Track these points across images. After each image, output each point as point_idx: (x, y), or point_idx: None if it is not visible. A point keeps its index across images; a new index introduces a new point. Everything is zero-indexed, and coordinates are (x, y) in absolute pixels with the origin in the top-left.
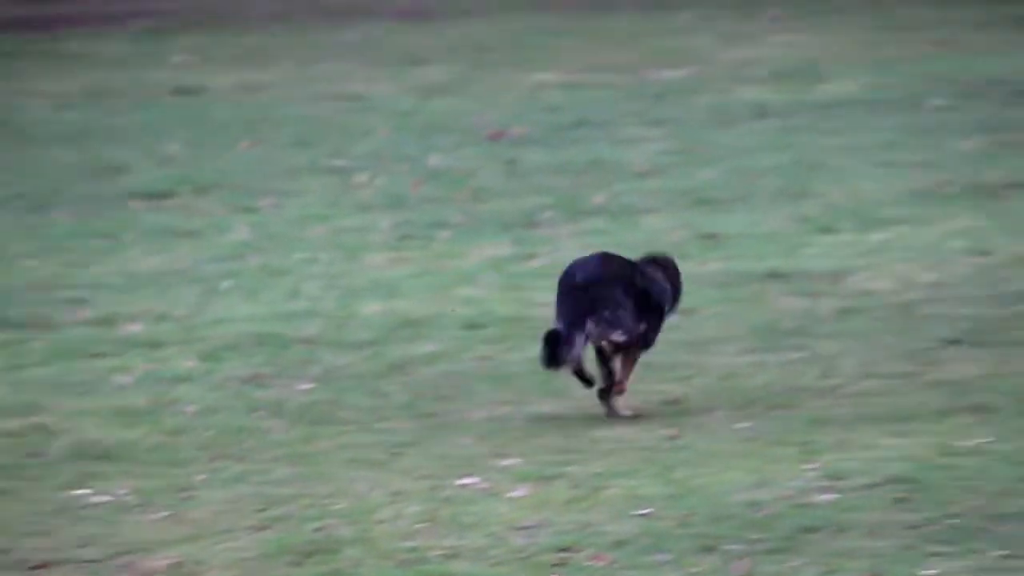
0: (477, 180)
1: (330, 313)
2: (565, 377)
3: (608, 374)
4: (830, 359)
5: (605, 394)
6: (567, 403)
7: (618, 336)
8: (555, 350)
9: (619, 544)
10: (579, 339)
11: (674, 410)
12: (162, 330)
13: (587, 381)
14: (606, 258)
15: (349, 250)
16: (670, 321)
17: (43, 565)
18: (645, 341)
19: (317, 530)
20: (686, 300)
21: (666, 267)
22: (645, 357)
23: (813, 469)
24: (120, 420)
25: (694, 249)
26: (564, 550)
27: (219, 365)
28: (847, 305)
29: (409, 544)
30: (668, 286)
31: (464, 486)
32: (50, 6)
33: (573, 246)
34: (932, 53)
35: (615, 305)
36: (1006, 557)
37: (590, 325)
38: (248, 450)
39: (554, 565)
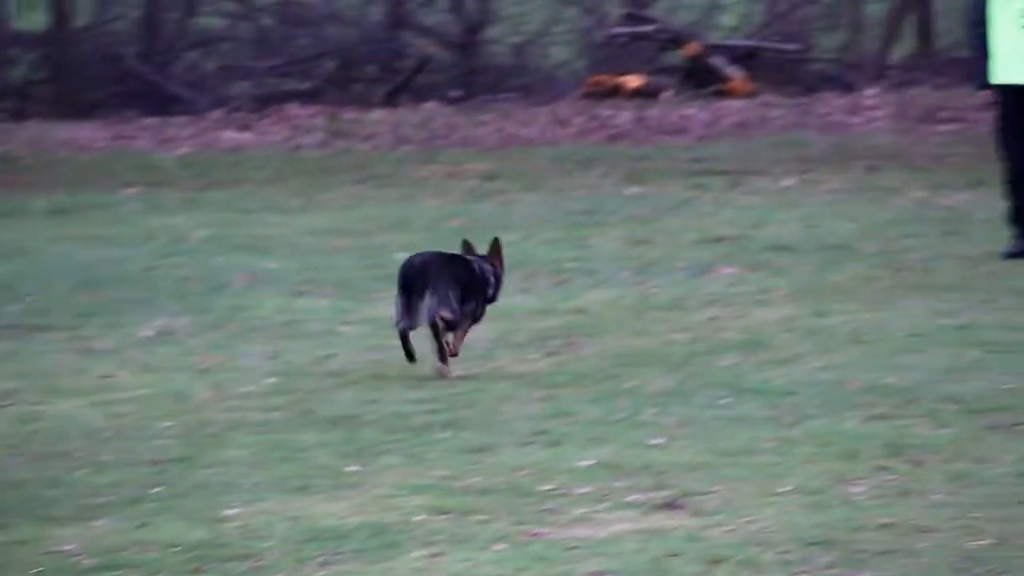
0: None
1: None
2: None
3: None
4: None
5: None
6: None
7: (447, 314)
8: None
9: None
10: (423, 308)
11: None
12: None
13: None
14: (437, 253)
15: None
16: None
17: None
18: (475, 316)
19: None
20: None
21: (492, 260)
22: None
23: None
24: None
25: None
26: None
27: None
28: None
29: None
30: (492, 276)
31: None
32: None
33: None
34: None
35: (446, 287)
36: None
37: (428, 299)
38: None
39: None
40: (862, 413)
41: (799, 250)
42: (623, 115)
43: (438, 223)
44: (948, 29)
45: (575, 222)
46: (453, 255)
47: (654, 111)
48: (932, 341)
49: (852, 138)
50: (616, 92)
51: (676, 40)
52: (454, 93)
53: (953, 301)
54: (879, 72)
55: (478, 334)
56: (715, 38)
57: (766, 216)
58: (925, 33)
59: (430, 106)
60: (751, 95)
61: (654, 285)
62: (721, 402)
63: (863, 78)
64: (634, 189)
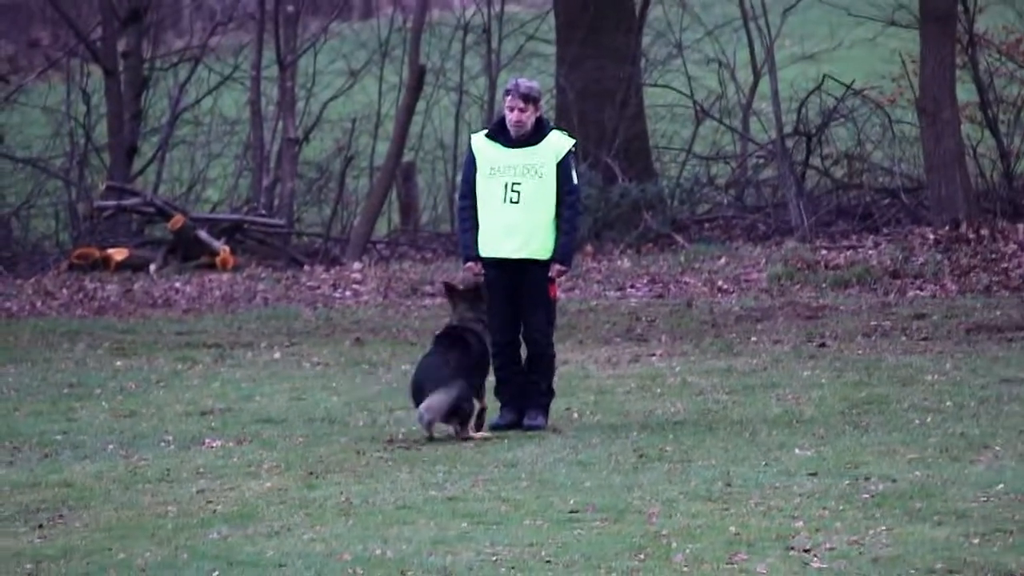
0: None
1: None
2: None
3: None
4: None
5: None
6: None
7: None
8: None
9: None
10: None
11: None
12: None
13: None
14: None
15: None
16: None
17: None
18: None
19: None
20: None
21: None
22: None
23: None
24: None
25: None
26: None
27: None
28: None
29: None
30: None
31: None
32: None
33: None
34: None
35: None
36: None
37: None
38: None
39: None
40: None
41: (287, 422)
42: (109, 287)
43: None
44: (431, 205)
45: (61, 394)
46: (450, 339)
47: (141, 284)
48: (421, 513)
49: (339, 311)
50: (102, 265)
51: (162, 213)
52: None
53: (441, 473)
54: (364, 247)
55: None
56: (200, 211)
57: (254, 389)
58: (408, 209)
59: None
60: (237, 268)
61: (142, 458)
62: (212, 575)
63: (349, 253)
64: (121, 362)
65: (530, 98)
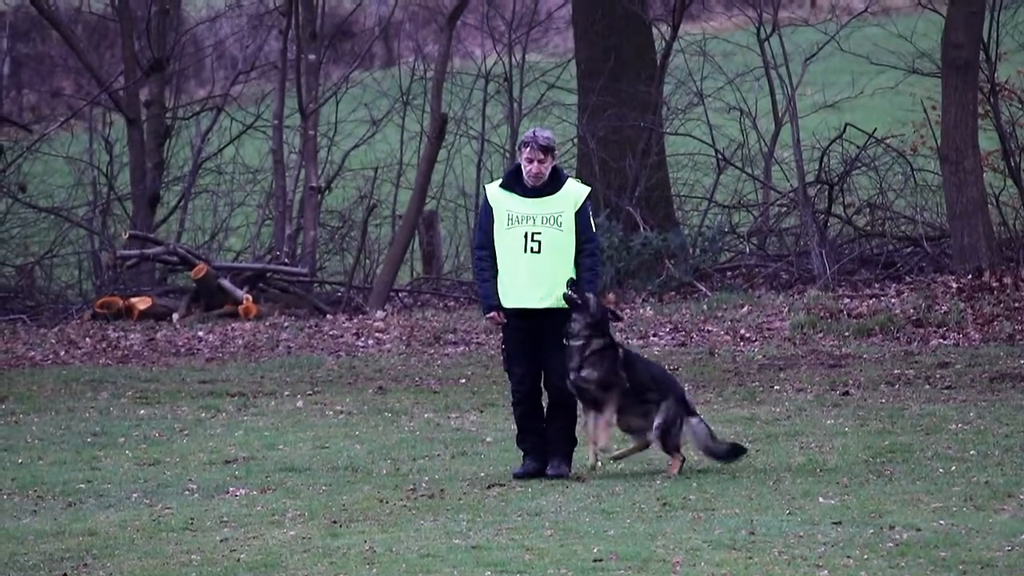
0: None
1: None
2: None
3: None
4: None
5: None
6: None
7: None
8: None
9: None
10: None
11: None
12: None
13: None
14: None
15: None
16: None
17: None
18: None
19: None
20: None
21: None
22: None
23: None
24: None
25: None
26: None
27: None
28: None
29: None
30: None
31: None
32: None
33: None
34: None
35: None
36: None
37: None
38: None
39: None
40: None
41: (311, 471)
42: (133, 336)
43: None
44: (453, 253)
45: (85, 443)
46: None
47: (164, 332)
48: (445, 561)
49: (361, 360)
50: (126, 314)
51: (184, 262)
52: None
53: (465, 521)
54: (387, 295)
55: None
56: (223, 260)
57: (277, 437)
58: (431, 258)
59: None
60: (260, 317)
61: (166, 506)
62: None
63: (371, 301)
64: (144, 410)
65: (548, 149)
